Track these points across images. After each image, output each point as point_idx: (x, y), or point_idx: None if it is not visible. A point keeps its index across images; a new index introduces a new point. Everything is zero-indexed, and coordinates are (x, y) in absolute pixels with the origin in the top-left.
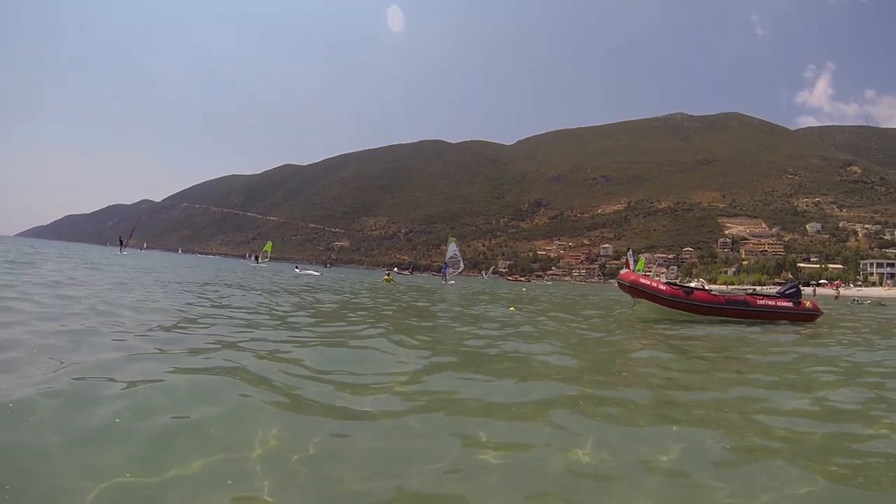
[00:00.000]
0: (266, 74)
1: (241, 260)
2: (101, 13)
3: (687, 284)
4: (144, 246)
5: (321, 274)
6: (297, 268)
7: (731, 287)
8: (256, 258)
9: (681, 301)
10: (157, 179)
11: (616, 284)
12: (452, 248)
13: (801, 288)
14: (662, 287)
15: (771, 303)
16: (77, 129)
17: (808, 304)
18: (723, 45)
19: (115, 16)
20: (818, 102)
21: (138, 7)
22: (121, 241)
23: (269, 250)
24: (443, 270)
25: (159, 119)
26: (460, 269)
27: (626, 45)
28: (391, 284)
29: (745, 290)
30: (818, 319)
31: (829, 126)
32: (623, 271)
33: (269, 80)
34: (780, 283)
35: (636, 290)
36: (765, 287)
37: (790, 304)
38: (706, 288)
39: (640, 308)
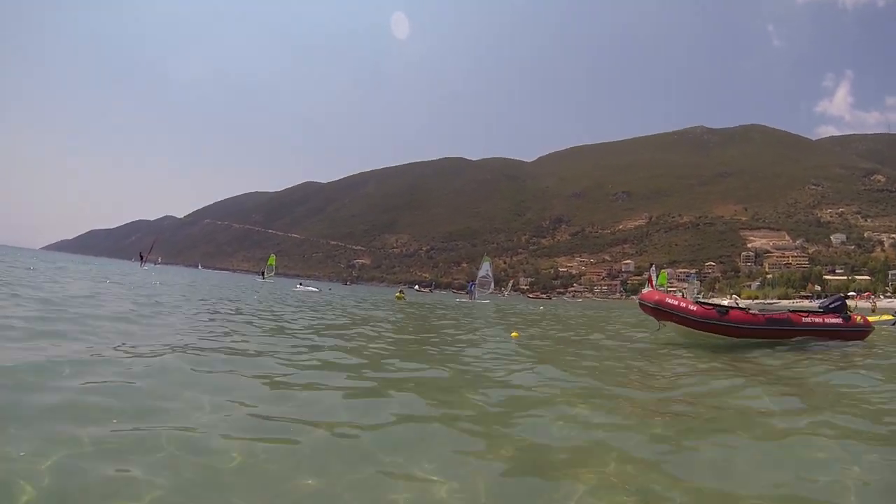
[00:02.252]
0: (288, 92)
1: (257, 277)
2: (131, 29)
3: (718, 302)
4: (159, 261)
5: (321, 291)
6: (299, 284)
7: (755, 301)
8: (262, 273)
9: (715, 323)
10: (179, 196)
11: (638, 305)
12: (486, 268)
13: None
14: (692, 307)
15: (818, 320)
16: (103, 144)
17: (858, 318)
18: (740, 57)
19: (146, 32)
20: (838, 111)
21: (168, 25)
22: (141, 257)
23: (274, 264)
24: (469, 288)
25: (184, 136)
26: (490, 290)
27: (645, 59)
28: (401, 301)
29: (770, 303)
30: (870, 336)
31: (850, 135)
32: (645, 290)
33: (290, 98)
34: (806, 297)
35: (661, 312)
36: (792, 301)
37: (840, 321)
38: (741, 305)
39: (666, 332)
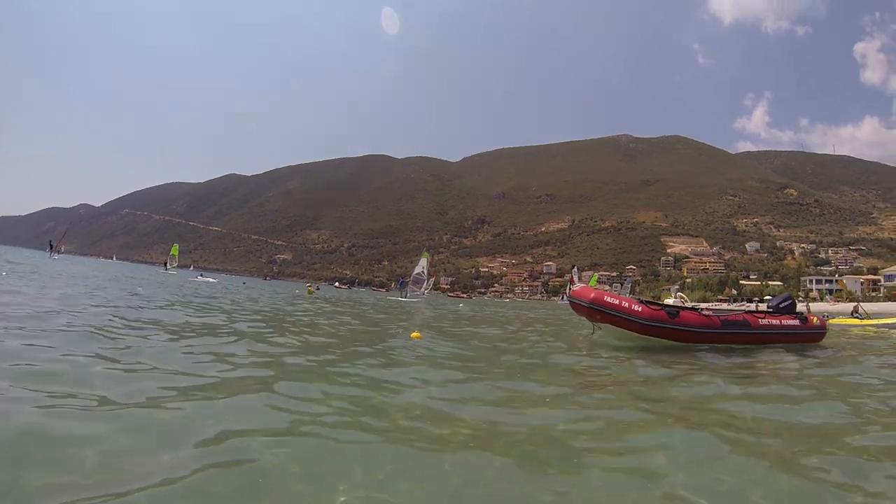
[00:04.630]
0: (213, 81)
1: (160, 268)
2: (44, 7)
3: (665, 302)
4: (62, 250)
5: (218, 281)
6: (200, 275)
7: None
8: (165, 264)
9: (664, 326)
10: (97, 183)
11: (564, 303)
12: (422, 265)
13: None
14: (637, 307)
15: (775, 322)
16: (12, 126)
17: (815, 320)
18: (667, 71)
19: (60, 10)
20: (755, 129)
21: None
22: (51, 246)
23: (177, 254)
24: (399, 285)
25: (102, 119)
26: (425, 288)
27: (575, 68)
28: (312, 295)
29: (709, 307)
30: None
31: (766, 151)
32: (577, 286)
33: (216, 86)
34: (723, 300)
35: (599, 312)
36: (711, 304)
37: (797, 322)
38: (691, 305)
39: (602, 334)
